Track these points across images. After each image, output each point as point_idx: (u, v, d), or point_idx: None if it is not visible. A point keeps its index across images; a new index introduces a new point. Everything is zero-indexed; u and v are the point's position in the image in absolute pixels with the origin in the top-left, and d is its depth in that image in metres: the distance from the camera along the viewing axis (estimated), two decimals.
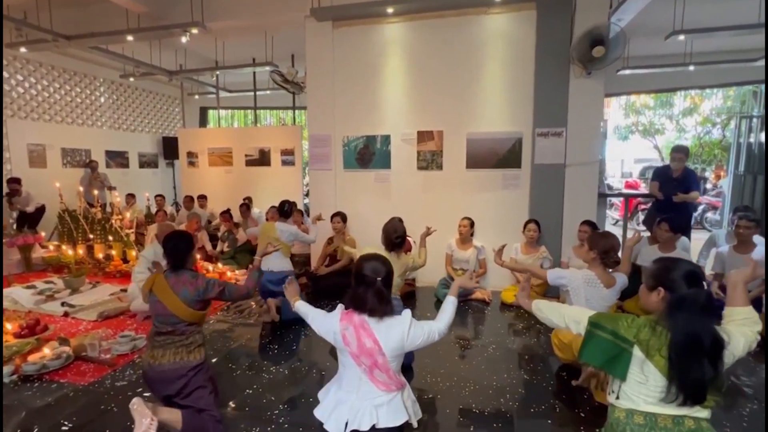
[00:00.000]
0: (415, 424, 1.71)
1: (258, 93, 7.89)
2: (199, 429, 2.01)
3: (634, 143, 15.59)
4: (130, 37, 4.81)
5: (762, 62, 6.14)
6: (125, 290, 4.08)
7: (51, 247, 5.46)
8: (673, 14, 4.97)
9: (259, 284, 3.59)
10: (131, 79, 7.55)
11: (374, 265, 1.68)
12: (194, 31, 4.53)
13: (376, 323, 1.63)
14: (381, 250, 2.77)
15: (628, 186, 11.75)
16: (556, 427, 2.17)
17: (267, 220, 5.18)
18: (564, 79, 4.08)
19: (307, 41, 4.68)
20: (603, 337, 1.49)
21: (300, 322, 3.57)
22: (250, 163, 7.26)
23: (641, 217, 8.27)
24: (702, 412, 1.38)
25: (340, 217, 4.45)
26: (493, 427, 2.16)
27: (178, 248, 2.15)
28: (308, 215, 5.61)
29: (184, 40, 4.72)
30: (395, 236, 2.90)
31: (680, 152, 4.39)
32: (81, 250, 5.31)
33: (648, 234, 4.07)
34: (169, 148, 8.76)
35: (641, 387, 1.42)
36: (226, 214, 5.55)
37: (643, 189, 11.09)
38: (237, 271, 4.96)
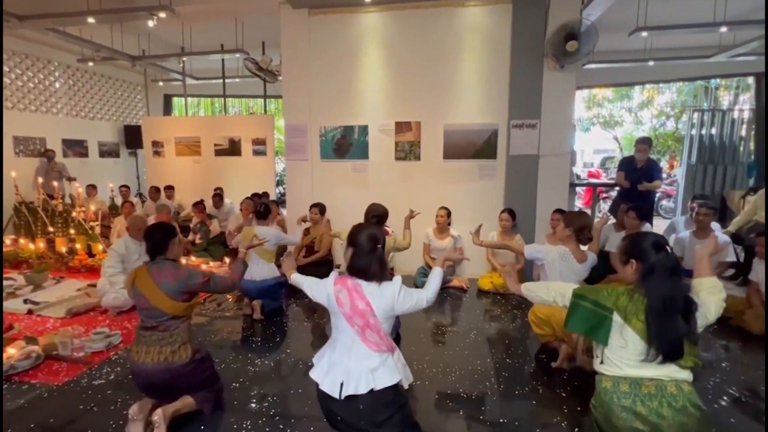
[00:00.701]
0: (406, 386, 1.77)
1: (227, 81, 7.60)
2: (207, 397, 2.11)
3: (594, 135, 16.29)
4: (91, 19, 4.49)
5: (714, 59, 6.55)
6: (94, 285, 3.89)
7: (7, 242, 5.10)
8: (636, 12, 5.20)
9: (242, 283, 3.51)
10: (90, 63, 7.09)
11: (374, 233, 1.74)
12: (162, 14, 4.30)
13: (369, 287, 1.69)
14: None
15: (591, 176, 12.28)
16: (539, 408, 2.28)
17: (241, 210, 5.06)
18: (538, 73, 4.20)
19: (282, 29, 4.55)
20: (585, 306, 1.62)
21: (281, 314, 3.57)
22: (220, 152, 7.03)
23: (602, 205, 8.71)
24: (682, 373, 1.50)
25: (318, 208, 4.40)
26: (481, 410, 2.25)
27: (155, 237, 2.12)
28: (284, 206, 5.51)
29: (151, 23, 4.46)
30: (371, 216, 3.00)
31: (644, 143, 4.65)
32: (41, 244, 5.00)
33: (614, 221, 4.30)
34: (132, 136, 8.33)
35: (622, 351, 1.54)
36: (200, 205, 5.37)
37: (604, 179, 11.67)
38: (212, 263, 4.83)
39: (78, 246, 4.98)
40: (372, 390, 1.62)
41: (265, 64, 5.49)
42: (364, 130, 4.64)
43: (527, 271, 4.30)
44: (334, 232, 3.57)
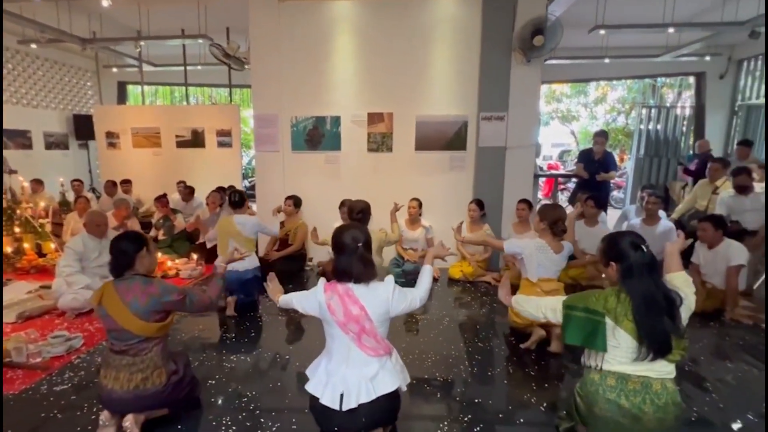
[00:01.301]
0: (404, 388, 1.78)
1: (188, 68, 7.25)
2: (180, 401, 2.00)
3: (552, 129, 17.02)
4: None
5: (661, 59, 7.02)
6: (47, 287, 3.66)
7: None
8: (595, 10, 5.46)
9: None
10: (33, 46, 6.51)
11: (353, 233, 1.70)
12: None
13: (361, 290, 1.66)
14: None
15: (550, 168, 12.84)
16: (510, 387, 2.41)
17: (207, 205, 4.90)
18: (506, 66, 4.33)
19: (250, 14, 4.41)
20: (578, 315, 1.64)
21: (254, 309, 3.52)
22: (182, 144, 6.74)
23: (560, 196, 9.14)
24: (669, 367, 1.56)
25: (293, 200, 4.35)
26: (458, 392, 2.34)
27: (123, 250, 1.90)
28: (253, 199, 5.39)
29: (104, 3, 4.17)
30: (356, 212, 2.99)
31: (601, 136, 4.94)
32: None
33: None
34: (83, 127, 7.78)
35: (615, 350, 1.58)
36: (163, 199, 5.13)
37: (562, 170, 12.24)
38: (177, 261, 4.65)
39: (26, 245, 4.63)
40: (372, 399, 1.61)
41: (233, 51, 5.29)
42: (336, 120, 4.61)
43: (494, 259, 4.47)
44: (322, 240, 3.51)
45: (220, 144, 6.69)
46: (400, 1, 4.38)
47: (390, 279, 1.72)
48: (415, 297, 1.74)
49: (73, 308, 3.28)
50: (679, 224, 4.67)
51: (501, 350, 2.83)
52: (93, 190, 7.71)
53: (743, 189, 4.06)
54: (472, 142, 4.53)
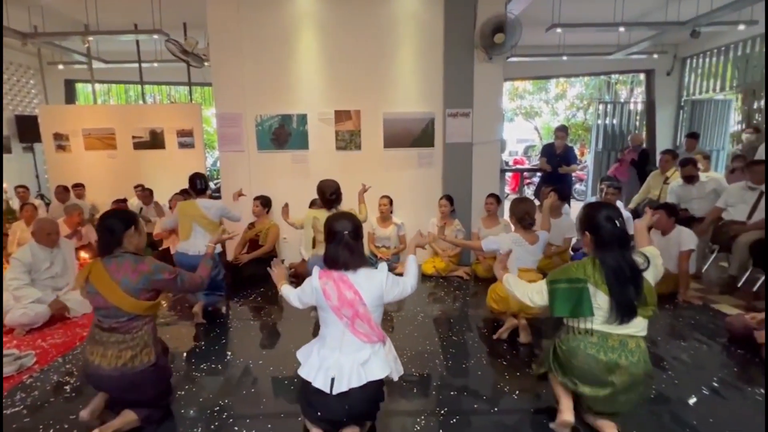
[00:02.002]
0: (395, 378, 1.82)
1: (143, 65, 6.90)
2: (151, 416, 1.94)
3: (517, 125, 17.53)
4: None
5: (613, 56, 7.38)
6: None
7: None
8: (551, 10, 5.66)
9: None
10: None
11: (340, 222, 1.77)
12: None
13: (354, 276, 1.72)
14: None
15: (516, 163, 13.24)
16: (485, 378, 2.46)
17: (170, 209, 4.70)
18: (469, 63, 4.41)
19: (207, 9, 4.24)
20: (563, 287, 1.74)
21: (223, 315, 3.42)
22: (140, 146, 6.40)
23: (526, 190, 9.45)
24: (642, 324, 1.71)
25: (261, 201, 4.24)
26: (434, 386, 2.37)
27: (110, 228, 1.87)
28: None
29: None
30: (329, 193, 3.02)
31: (562, 131, 5.14)
32: None
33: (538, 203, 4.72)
34: (27, 128, 7.21)
35: (598, 311, 1.71)
36: (121, 203, 4.87)
37: (528, 165, 12.66)
38: None
39: None
40: (363, 384, 1.65)
41: (190, 47, 5.07)
42: (303, 119, 4.53)
43: (465, 254, 4.56)
44: (290, 220, 3.52)
45: (182, 145, 6.40)
46: None
47: (383, 266, 1.78)
48: (406, 284, 1.82)
49: (23, 324, 3.06)
50: (636, 213, 4.94)
51: (474, 343, 2.89)
52: (41, 196, 7.18)
53: (690, 179, 4.35)
54: (440, 138, 4.58)
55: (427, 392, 2.31)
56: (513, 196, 7.19)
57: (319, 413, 1.72)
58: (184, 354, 2.80)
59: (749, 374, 2.41)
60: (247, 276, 4.06)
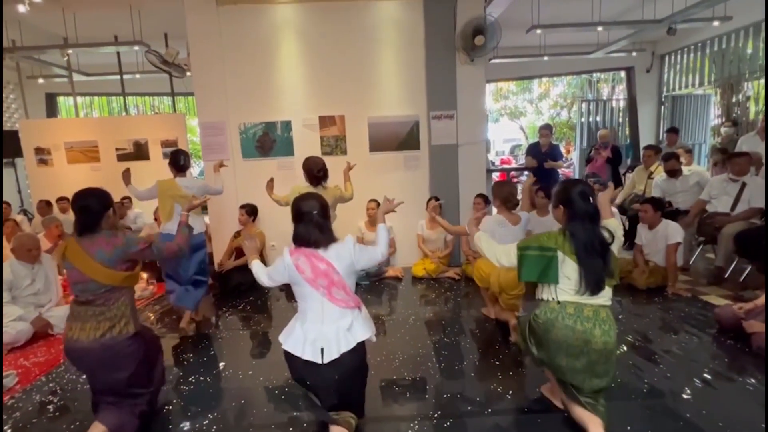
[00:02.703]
0: (374, 339, 1.89)
1: (125, 77, 6.82)
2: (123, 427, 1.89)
3: (503, 125, 17.72)
4: None
5: (594, 55, 7.50)
6: None
7: None
8: (531, 11, 5.74)
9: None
10: None
11: (308, 202, 1.82)
12: None
13: (325, 251, 1.77)
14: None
15: (503, 162, 13.36)
16: (478, 380, 2.44)
17: (155, 220, 4.62)
18: (451, 66, 4.44)
19: (187, 19, 4.21)
20: (532, 255, 1.82)
21: (211, 326, 3.36)
22: (123, 157, 6.30)
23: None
24: (608, 293, 1.80)
25: (246, 209, 4.19)
26: (427, 389, 2.35)
27: (87, 209, 1.87)
28: (205, 211, 5.14)
29: (22, 9, 3.82)
30: (317, 170, 3.09)
31: (546, 129, 5.19)
32: None
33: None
34: (8, 144, 7.05)
35: (568, 282, 1.79)
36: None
37: (515, 164, 12.78)
38: None
39: None
40: (352, 348, 1.72)
41: (171, 57, 5.02)
42: (287, 125, 4.51)
43: (455, 255, 4.56)
44: (275, 197, 3.44)
45: (166, 155, 6.30)
46: (342, 5, 4.36)
47: (349, 238, 1.84)
48: (376, 251, 1.89)
49: (4, 343, 2.96)
50: (622, 208, 4.99)
51: (467, 344, 2.88)
52: (24, 211, 7.04)
53: (673, 173, 4.41)
54: (425, 141, 4.59)
55: (420, 396, 2.29)
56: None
57: (308, 382, 1.78)
58: (173, 367, 2.73)
59: (740, 364, 2.43)
60: (235, 284, 4.00)
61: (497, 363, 2.58)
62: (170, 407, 2.26)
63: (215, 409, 2.23)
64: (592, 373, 1.79)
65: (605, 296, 1.80)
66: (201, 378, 2.56)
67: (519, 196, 3.24)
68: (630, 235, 4.47)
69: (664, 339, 2.79)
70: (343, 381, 1.76)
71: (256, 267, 1.93)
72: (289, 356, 1.78)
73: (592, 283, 1.75)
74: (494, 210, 3.21)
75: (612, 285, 1.81)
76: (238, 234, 4.31)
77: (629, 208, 4.87)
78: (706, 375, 2.32)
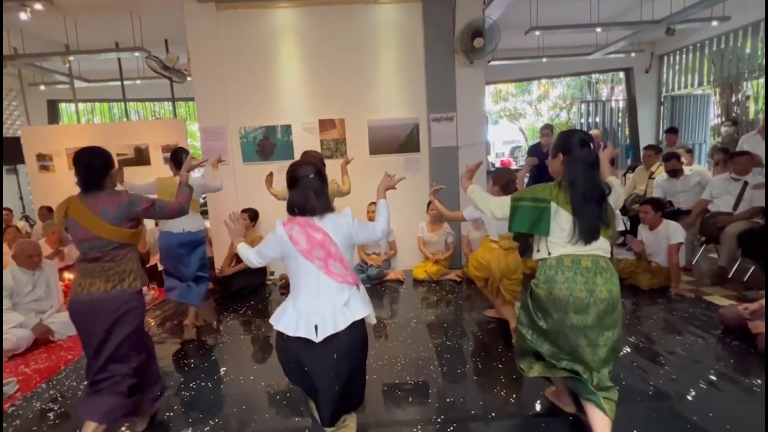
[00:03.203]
0: (373, 321, 1.77)
1: (126, 83, 6.84)
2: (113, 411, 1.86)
3: (502, 127, 17.72)
4: None
5: (592, 56, 7.51)
6: None
7: None
8: (529, 13, 5.75)
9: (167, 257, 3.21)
10: None
11: (304, 167, 1.71)
12: (37, 6, 3.72)
13: (321, 220, 1.65)
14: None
15: (504, 164, 13.34)
16: (481, 384, 2.42)
17: (156, 225, 4.61)
18: (451, 68, 4.44)
19: (187, 24, 4.22)
20: (526, 205, 1.80)
21: (214, 331, 3.34)
22: (125, 163, 6.28)
23: None
24: (607, 245, 1.78)
25: (248, 214, 4.20)
26: (430, 393, 2.33)
27: (91, 167, 1.89)
28: (205, 216, 5.14)
29: (23, 16, 3.83)
30: (317, 160, 2.99)
31: (547, 129, 5.20)
32: None
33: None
34: (10, 150, 7.07)
35: (563, 233, 1.76)
36: None
37: (515, 166, 12.76)
38: None
39: None
40: (350, 325, 1.56)
41: (171, 63, 5.04)
42: (287, 129, 4.51)
43: (457, 258, 4.54)
44: (273, 190, 3.42)
45: (167, 160, 6.32)
46: (341, 8, 4.37)
47: (347, 211, 1.72)
48: (376, 227, 1.77)
49: (5, 350, 2.95)
50: (623, 209, 4.98)
51: (469, 347, 2.86)
52: (26, 218, 7.05)
53: (674, 172, 4.40)
54: (425, 143, 4.59)
55: (422, 400, 2.27)
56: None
57: (306, 368, 1.59)
58: (174, 372, 2.72)
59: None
60: (237, 289, 3.99)
61: (500, 366, 2.56)
62: (171, 413, 2.25)
63: (216, 416, 2.22)
64: (603, 326, 1.74)
65: (603, 247, 1.76)
66: (202, 384, 2.55)
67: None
68: (632, 235, 4.44)
69: (668, 340, 2.77)
70: (342, 361, 1.58)
71: (242, 248, 1.83)
72: (281, 345, 1.63)
73: (585, 232, 1.71)
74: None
75: (608, 237, 1.78)
76: None
77: (630, 209, 4.86)
78: (711, 376, 2.30)
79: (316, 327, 1.55)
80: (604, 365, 1.77)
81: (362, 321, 1.64)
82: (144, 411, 2.04)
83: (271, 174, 3.49)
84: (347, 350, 1.59)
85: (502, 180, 2.91)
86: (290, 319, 1.60)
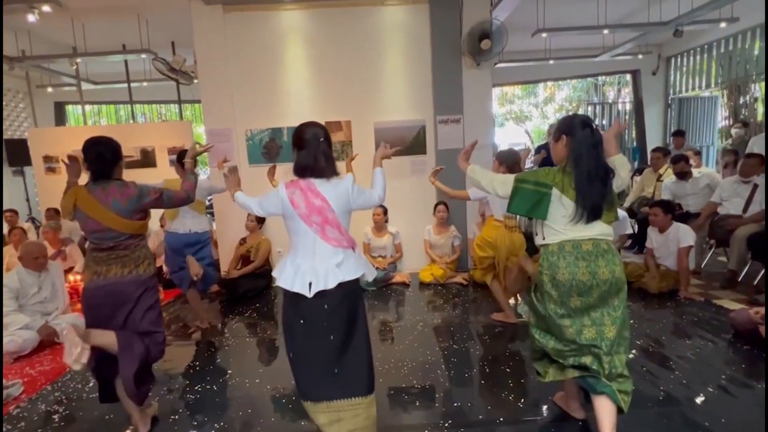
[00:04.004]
0: (370, 279, 1.85)
1: (132, 85, 6.88)
2: (138, 353, 1.87)
3: (508, 129, 17.66)
4: None
5: (599, 58, 7.47)
6: None
7: None
8: (536, 15, 5.73)
9: (171, 258, 3.24)
10: None
11: (313, 128, 1.74)
12: (45, 8, 3.75)
13: (321, 185, 1.70)
14: None
15: None
16: (488, 388, 2.39)
17: (162, 227, 4.62)
18: (457, 70, 4.43)
19: (194, 26, 4.24)
20: (527, 188, 1.81)
21: (217, 333, 3.34)
22: (131, 165, 6.29)
23: None
24: (608, 229, 1.79)
25: (255, 216, 4.18)
26: (436, 398, 2.30)
27: (102, 156, 1.92)
28: (212, 216, 5.14)
29: (31, 18, 3.86)
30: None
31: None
32: None
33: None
34: (16, 152, 7.13)
35: (564, 218, 1.77)
36: None
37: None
38: None
39: None
40: (339, 284, 1.66)
41: (178, 65, 5.06)
42: (293, 131, 4.50)
43: (463, 260, 4.51)
44: (276, 183, 3.34)
45: (173, 162, 6.35)
46: (348, 10, 4.38)
47: (349, 176, 1.78)
48: (373, 194, 1.83)
49: (10, 352, 2.96)
50: (631, 212, 4.93)
51: (476, 351, 2.83)
52: (33, 219, 7.09)
53: (683, 175, 4.36)
54: (432, 145, 4.57)
55: (429, 404, 2.24)
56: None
57: (302, 321, 1.69)
58: (180, 374, 2.72)
59: (758, 370, 2.36)
60: (243, 291, 3.99)
61: (508, 370, 2.53)
62: (176, 416, 2.24)
63: (221, 418, 2.20)
64: (607, 306, 1.76)
65: (604, 231, 1.77)
66: (207, 386, 2.54)
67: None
68: (640, 238, 4.40)
69: (678, 344, 2.73)
70: (333, 314, 1.67)
71: (240, 196, 1.87)
72: (285, 300, 1.75)
73: (588, 208, 1.72)
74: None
75: (609, 221, 1.79)
76: (243, 241, 4.31)
77: (638, 212, 4.81)
78: (723, 381, 2.26)
79: (310, 284, 1.66)
80: (615, 348, 1.73)
81: (354, 281, 1.73)
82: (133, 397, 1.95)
83: (273, 167, 3.41)
84: (337, 304, 1.68)
85: (509, 160, 2.94)
86: (288, 275, 1.70)
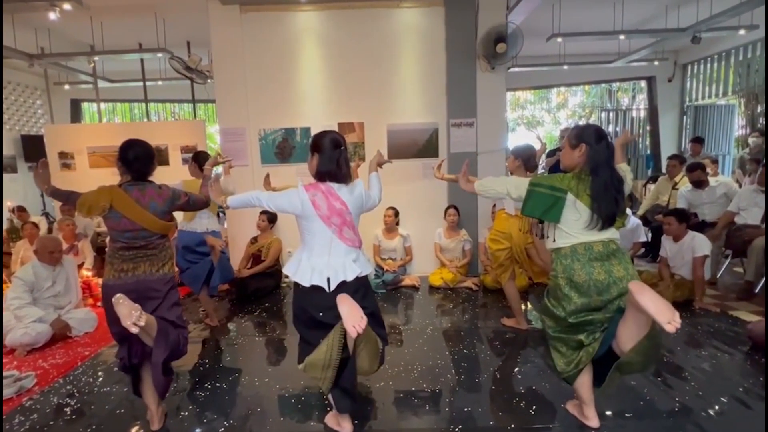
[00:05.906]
0: (370, 273, 2.01)
1: (147, 83, 6.98)
2: (171, 340, 1.95)
3: (519, 135, 17.56)
4: None
5: (614, 64, 7.39)
6: None
7: None
8: (551, 19, 5.69)
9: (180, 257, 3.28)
10: None
11: (335, 138, 1.87)
12: (66, 6, 3.81)
13: (341, 189, 1.85)
14: None
15: None
16: (499, 393, 2.36)
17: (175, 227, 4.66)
18: (472, 73, 4.41)
19: (211, 26, 4.29)
20: (542, 192, 1.88)
21: (227, 332, 3.34)
22: None
23: None
24: (616, 234, 1.88)
25: (267, 215, 4.21)
26: (446, 402, 2.28)
27: (143, 158, 1.99)
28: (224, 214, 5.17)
29: (52, 16, 3.93)
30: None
31: (566, 131, 5.10)
32: None
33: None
34: (32, 148, 7.29)
35: (577, 222, 1.83)
36: None
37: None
38: None
39: None
40: (356, 277, 1.84)
41: (194, 64, 5.12)
42: (306, 132, 4.53)
43: (473, 265, 4.48)
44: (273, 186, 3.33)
45: (186, 161, 6.40)
46: (364, 11, 4.39)
47: (360, 181, 1.95)
48: (373, 197, 2.05)
49: (24, 344, 3.00)
50: (645, 220, 4.86)
51: (486, 356, 2.80)
52: (47, 215, 7.21)
53: (699, 183, 4.28)
54: (444, 148, 4.56)
55: (439, 409, 2.22)
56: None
57: (321, 314, 1.80)
58: (188, 372, 2.72)
59: None
60: (253, 290, 4.00)
61: (519, 376, 2.50)
62: (185, 413, 2.24)
63: (230, 417, 2.20)
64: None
65: (613, 234, 1.85)
66: (216, 384, 2.54)
67: None
68: (654, 247, 4.32)
69: (693, 355, 2.67)
70: (352, 296, 1.77)
71: (235, 200, 1.93)
72: (298, 292, 1.86)
73: (604, 216, 1.79)
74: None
75: (619, 227, 1.88)
76: (254, 240, 4.33)
77: (652, 220, 4.74)
78: (740, 394, 2.20)
79: (328, 279, 1.80)
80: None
81: (366, 277, 1.92)
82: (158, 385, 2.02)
83: (267, 176, 3.40)
84: (353, 290, 1.83)
85: (524, 154, 2.95)
86: (305, 271, 1.82)
